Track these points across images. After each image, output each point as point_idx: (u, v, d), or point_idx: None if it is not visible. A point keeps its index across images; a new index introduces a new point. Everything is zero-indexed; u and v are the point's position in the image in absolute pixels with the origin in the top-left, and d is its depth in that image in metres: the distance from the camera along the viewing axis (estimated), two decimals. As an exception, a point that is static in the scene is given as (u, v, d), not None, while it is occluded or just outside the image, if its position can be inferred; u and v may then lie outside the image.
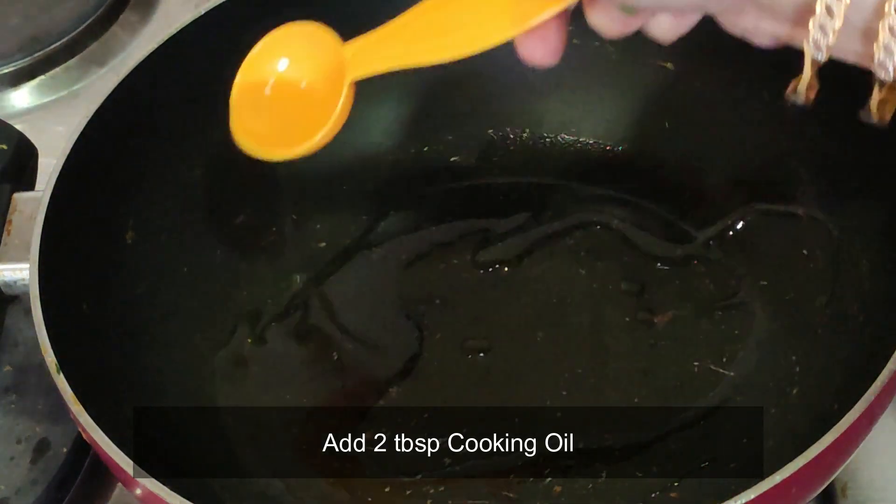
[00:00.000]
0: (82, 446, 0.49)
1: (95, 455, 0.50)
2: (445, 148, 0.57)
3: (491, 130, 0.57)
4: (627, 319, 0.51)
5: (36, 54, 0.68)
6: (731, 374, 0.49)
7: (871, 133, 0.40)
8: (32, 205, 0.45)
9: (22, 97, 0.68)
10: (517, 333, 0.51)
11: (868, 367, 0.40)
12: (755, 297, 0.51)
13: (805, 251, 0.50)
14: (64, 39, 0.69)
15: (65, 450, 0.49)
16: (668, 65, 0.54)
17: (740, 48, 0.37)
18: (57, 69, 0.69)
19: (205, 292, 0.51)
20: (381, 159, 0.56)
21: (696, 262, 0.53)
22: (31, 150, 0.49)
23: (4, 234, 0.45)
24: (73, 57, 0.69)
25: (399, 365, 0.50)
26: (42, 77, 0.68)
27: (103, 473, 0.50)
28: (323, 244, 0.54)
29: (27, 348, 0.52)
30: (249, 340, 0.51)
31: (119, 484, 0.51)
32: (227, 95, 0.46)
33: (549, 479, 0.46)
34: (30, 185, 0.49)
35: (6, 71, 0.68)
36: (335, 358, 0.51)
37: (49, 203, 0.43)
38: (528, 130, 0.57)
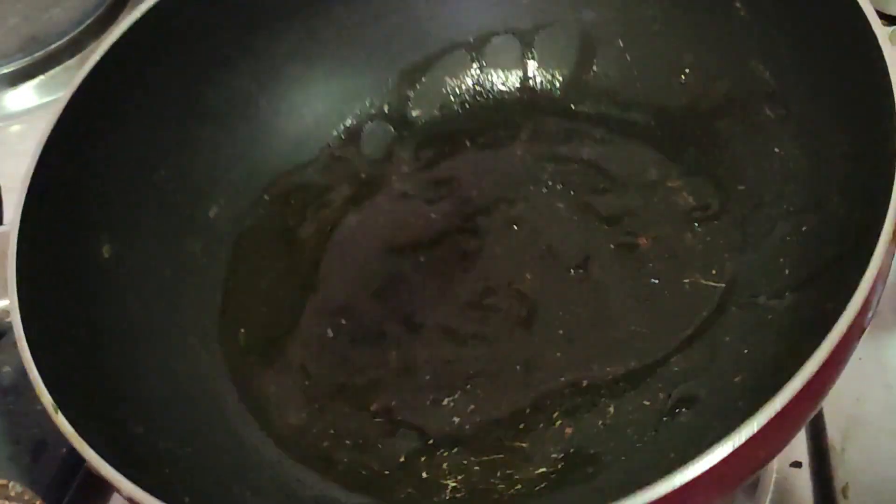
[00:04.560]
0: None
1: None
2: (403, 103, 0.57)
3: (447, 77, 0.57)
4: (612, 247, 0.50)
5: (35, 54, 0.68)
6: (723, 285, 0.48)
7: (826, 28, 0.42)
8: (3, 239, 0.44)
9: (21, 97, 0.68)
10: (505, 279, 0.50)
11: (857, 263, 0.40)
12: (735, 203, 0.50)
13: (778, 149, 0.49)
14: (63, 39, 0.69)
15: (63, 450, 0.49)
16: None
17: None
18: (56, 69, 0.69)
19: (191, 291, 0.50)
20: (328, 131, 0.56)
21: (670, 180, 0.52)
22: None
23: None
24: (72, 57, 0.69)
25: (395, 328, 0.50)
26: (42, 77, 0.69)
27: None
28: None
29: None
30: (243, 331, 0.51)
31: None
32: (187, 91, 0.47)
33: (559, 422, 0.45)
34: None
35: (6, 71, 0.68)
36: (329, 335, 0.50)
37: (19, 235, 0.43)
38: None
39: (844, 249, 0.43)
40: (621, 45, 0.55)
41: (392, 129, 0.57)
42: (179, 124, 0.52)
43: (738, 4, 0.51)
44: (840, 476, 0.47)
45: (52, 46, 0.69)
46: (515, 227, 0.52)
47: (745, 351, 0.45)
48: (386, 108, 0.57)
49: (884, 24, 0.66)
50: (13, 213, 0.44)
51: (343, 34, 0.56)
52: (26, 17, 0.71)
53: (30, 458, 0.48)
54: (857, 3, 0.45)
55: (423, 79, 0.57)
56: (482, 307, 0.50)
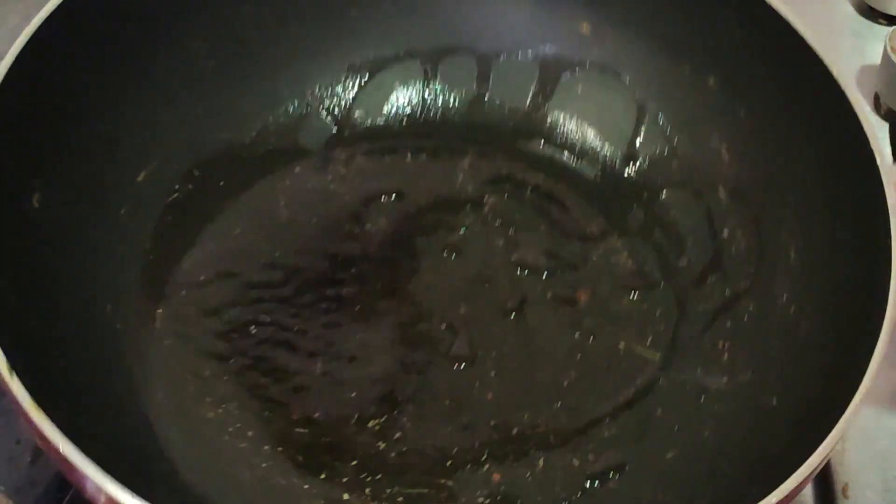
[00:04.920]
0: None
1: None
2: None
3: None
4: (549, 296, 0.50)
5: (36, 54, 0.68)
6: (657, 356, 0.48)
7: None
8: None
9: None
10: (439, 308, 0.49)
11: (802, 357, 0.40)
12: (675, 276, 0.50)
13: (726, 232, 0.49)
14: (64, 39, 0.69)
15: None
16: (584, 26, 0.54)
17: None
18: (57, 69, 0.69)
19: (113, 259, 0.48)
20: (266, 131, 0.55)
21: (611, 240, 0.52)
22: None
23: None
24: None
25: (321, 335, 0.48)
26: (42, 77, 0.68)
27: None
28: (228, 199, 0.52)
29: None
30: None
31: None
32: (135, 49, 0.46)
33: (487, 465, 0.45)
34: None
35: (6, 71, 0.68)
36: (252, 331, 0.48)
37: None
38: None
39: (790, 349, 0.43)
40: (579, 91, 0.55)
41: (333, 126, 0.55)
42: (121, 81, 0.50)
43: (710, 79, 0.50)
44: (840, 476, 0.47)
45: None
46: (453, 256, 0.51)
47: (676, 428, 0.45)
48: (328, 102, 0.55)
49: (884, 24, 0.67)
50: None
51: (303, 15, 0.54)
52: (27, 17, 0.70)
53: (30, 458, 0.48)
54: (841, 93, 0.45)
55: (373, 80, 0.55)
56: (414, 333, 0.49)
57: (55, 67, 0.47)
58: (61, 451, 0.36)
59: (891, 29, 0.62)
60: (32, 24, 0.47)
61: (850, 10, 0.68)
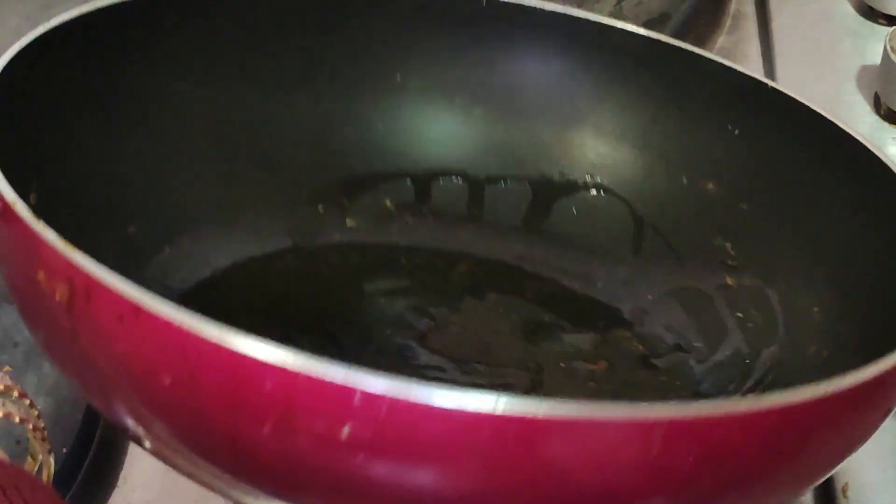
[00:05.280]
0: (82, 447, 0.50)
1: (96, 455, 0.50)
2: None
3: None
4: (562, 365, 0.49)
5: (36, 54, 0.68)
6: None
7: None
8: None
9: (23, 97, 0.68)
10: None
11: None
12: (692, 356, 0.49)
13: (740, 314, 0.49)
14: (64, 40, 0.69)
15: (65, 450, 0.49)
16: None
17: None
18: (57, 69, 0.69)
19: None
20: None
21: (618, 332, 0.51)
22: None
23: None
24: (73, 57, 0.69)
25: None
26: (43, 77, 0.69)
27: (104, 473, 0.50)
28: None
29: (27, 348, 0.52)
30: None
31: (119, 483, 0.51)
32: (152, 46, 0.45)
33: None
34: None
35: (7, 71, 0.68)
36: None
37: None
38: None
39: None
40: (574, 212, 0.54)
41: (326, 229, 0.53)
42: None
43: (710, 183, 0.51)
44: (840, 475, 0.47)
45: (53, 47, 0.69)
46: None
47: None
48: (321, 209, 0.53)
49: (884, 24, 0.67)
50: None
51: (293, 121, 0.52)
52: (27, 17, 0.71)
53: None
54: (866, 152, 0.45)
55: (363, 195, 0.53)
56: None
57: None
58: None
59: (891, 29, 0.62)
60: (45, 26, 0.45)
61: (850, 10, 0.68)
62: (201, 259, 0.49)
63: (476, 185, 0.54)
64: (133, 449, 0.52)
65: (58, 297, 0.32)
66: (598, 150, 0.54)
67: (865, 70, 0.63)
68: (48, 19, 0.69)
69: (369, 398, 0.28)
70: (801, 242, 0.47)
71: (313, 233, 0.52)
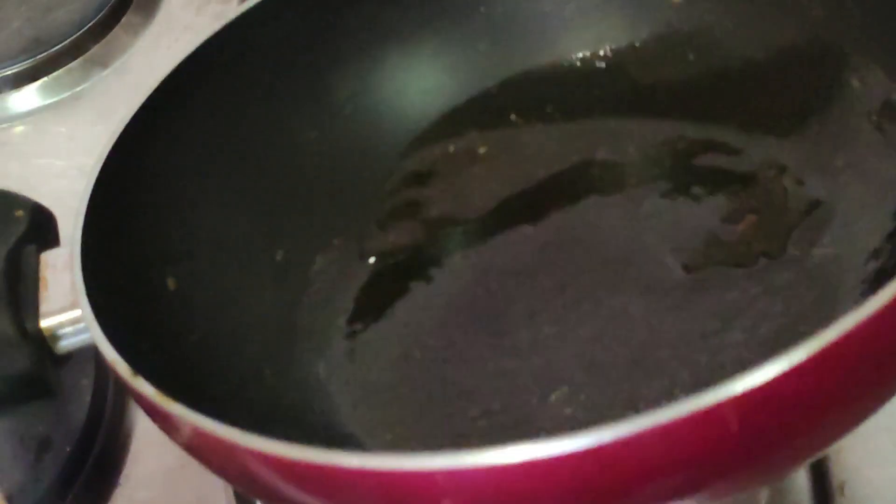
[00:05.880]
0: (85, 444, 0.50)
1: (98, 453, 0.51)
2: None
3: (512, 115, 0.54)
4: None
5: (38, 56, 0.68)
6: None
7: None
8: (63, 258, 0.42)
9: (24, 99, 0.69)
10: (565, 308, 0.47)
11: None
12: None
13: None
14: (66, 41, 0.69)
15: (68, 448, 0.49)
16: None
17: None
18: (59, 71, 0.69)
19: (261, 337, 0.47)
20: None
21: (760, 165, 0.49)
22: (48, 214, 0.47)
23: (42, 290, 0.42)
24: (75, 59, 0.69)
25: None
26: (45, 79, 0.69)
27: (107, 471, 0.50)
28: (372, 259, 0.52)
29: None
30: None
31: (121, 482, 0.51)
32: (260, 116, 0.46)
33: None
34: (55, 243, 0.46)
35: (9, 73, 0.68)
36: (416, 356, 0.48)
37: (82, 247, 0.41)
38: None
39: None
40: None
41: None
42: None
43: None
44: (837, 473, 0.47)
45: (55, 49, 0.69)
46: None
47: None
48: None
49: (881, 26, 0.67)
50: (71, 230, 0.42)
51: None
52: (29, 18, 0.71)
53: (34, 455, 0.49)
54: None
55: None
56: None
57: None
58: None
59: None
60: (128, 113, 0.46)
61: (848, 12, 0.69)
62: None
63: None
64: (135, 447, 0.52)
65: None
66: None
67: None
68: (50, 21, 0.70)
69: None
70: None
71: None
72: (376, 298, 0.50)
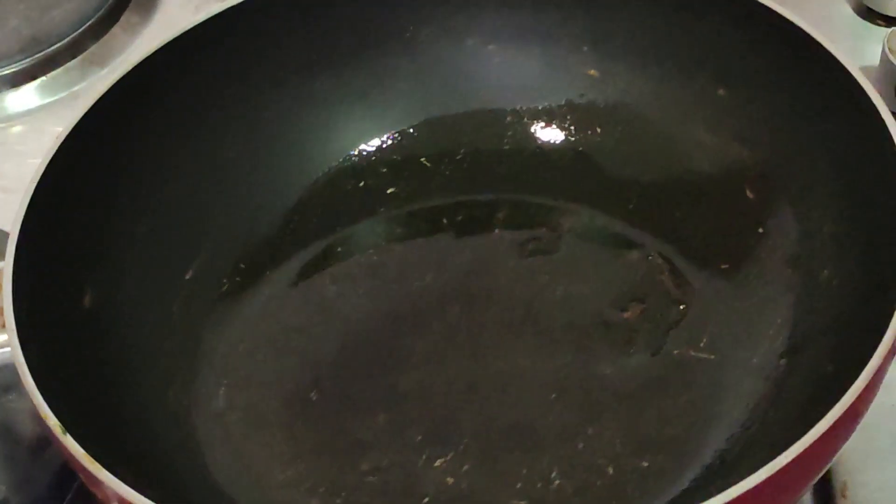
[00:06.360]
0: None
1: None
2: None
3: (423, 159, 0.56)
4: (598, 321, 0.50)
5: (36, 55, 0.68)
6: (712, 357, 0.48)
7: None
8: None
9: (22, 98, 0.68)
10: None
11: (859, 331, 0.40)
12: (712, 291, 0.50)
13: (761, 229, 0.49)
14: (64, 40, 0.69)
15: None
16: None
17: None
18: (57, 70, 0.69)
19: (168, 347, 0.49)
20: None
21: (649, 256, 0.51)
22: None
23: None
24: (73, 58, 0.69)
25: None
26: (43, 78, 0.69)
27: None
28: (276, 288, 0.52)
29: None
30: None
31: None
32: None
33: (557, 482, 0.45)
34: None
35: (6, 72, 0.68)
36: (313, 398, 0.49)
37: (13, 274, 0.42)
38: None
39: (836, 321, 0.43)
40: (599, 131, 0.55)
41: None
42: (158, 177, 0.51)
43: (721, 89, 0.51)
44: (838, 475, 0.47)
45: (53, 48, 0.69)
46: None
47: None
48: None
49: (882, 25, 0.67)
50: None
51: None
52: (27, 17, 0.71)
53: (30, 456, 0.48)
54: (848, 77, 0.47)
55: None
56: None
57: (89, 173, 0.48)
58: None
59: (889, 30, 0.62)
60: (69, 123, 0.48)
61: (849, 11, 0.68)
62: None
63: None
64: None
65: None
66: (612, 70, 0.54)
67: (864, 71, 0.63)
68: (48, 20, 0.70)
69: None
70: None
71: None
72: (278, 328, 0.51)
